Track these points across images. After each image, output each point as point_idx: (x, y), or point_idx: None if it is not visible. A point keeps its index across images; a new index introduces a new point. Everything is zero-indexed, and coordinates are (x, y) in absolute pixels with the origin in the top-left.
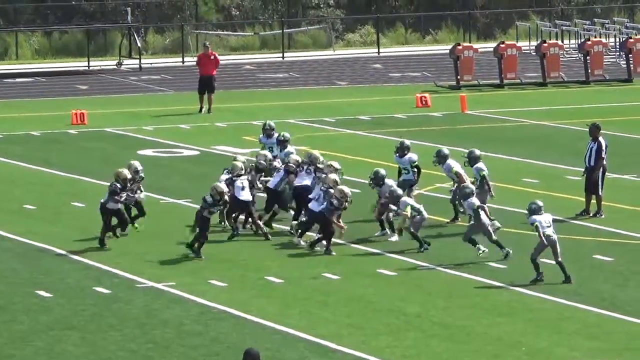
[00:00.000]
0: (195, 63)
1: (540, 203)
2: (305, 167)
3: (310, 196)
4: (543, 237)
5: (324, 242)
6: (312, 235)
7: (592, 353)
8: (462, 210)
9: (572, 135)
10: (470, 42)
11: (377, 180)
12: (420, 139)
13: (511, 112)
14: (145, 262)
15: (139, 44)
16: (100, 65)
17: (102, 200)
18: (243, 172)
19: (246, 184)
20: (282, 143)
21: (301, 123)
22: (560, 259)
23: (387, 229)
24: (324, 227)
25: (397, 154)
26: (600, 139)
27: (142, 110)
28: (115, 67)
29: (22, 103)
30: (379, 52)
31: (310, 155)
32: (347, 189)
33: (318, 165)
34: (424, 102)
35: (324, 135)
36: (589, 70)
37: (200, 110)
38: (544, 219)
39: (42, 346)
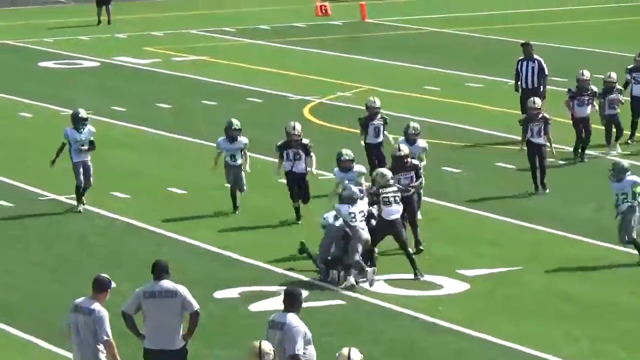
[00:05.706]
0: None
1: None
2: None
3: None
4: None
5: None
6: None
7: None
8: None
9: (473, 43)
10: None
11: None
12: (320, 48)
13: (411, 19)
14: (47, 175)
15: None
16: None
17: None
18: None
19: None
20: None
21: (202, 33)
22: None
23: None
24: None
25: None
26: (537, 57)
27: (42, 22)
28: None
29: None
30: None
31: None
32: None
33: None
34: (323, 11)
35: (227, 45)
36: None
37: (99, 23)
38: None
39: None
